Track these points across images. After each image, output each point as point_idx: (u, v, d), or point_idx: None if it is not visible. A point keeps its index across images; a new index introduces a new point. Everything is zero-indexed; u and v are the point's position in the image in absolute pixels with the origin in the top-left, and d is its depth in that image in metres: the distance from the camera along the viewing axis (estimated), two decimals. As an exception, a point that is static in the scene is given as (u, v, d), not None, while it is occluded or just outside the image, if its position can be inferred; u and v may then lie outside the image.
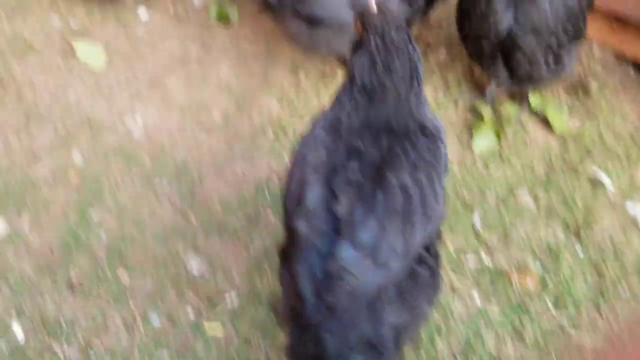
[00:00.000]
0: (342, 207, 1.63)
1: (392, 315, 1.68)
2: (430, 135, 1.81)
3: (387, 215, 1.63)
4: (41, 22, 3.31)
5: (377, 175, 1.68)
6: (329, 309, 1.59)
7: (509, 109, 2.83)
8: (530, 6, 2.34)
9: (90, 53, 3.14)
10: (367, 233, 1.60)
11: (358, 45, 1.81)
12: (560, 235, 2.52)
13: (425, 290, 1.78)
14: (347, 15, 2.34)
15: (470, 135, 2.78)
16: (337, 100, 1.87)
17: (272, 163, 2.76)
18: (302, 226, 1.65)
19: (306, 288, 1.60)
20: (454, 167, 2.68)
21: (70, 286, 2.42)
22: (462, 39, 2.66)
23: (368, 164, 1.71)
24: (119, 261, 2.49)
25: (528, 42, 2.40)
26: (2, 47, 3.21)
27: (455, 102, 2.93)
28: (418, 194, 1.68)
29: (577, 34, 2.49)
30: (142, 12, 3.37)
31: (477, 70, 2.97)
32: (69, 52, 3.17)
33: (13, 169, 2.75)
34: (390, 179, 1.67)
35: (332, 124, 1.82)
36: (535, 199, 2.62)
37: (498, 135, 2.74)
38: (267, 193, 2.66)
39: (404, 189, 1.67)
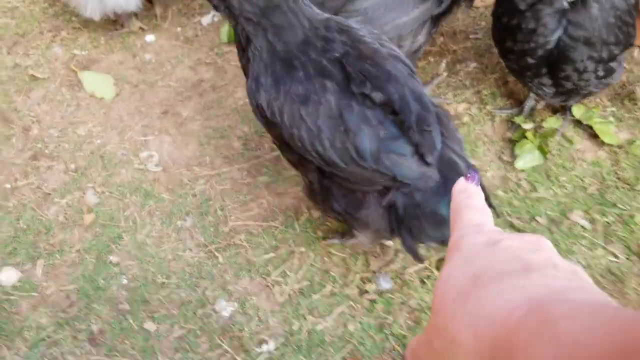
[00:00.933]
0: (378, 96, 1.66)
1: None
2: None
3: (406, 81, 1.70)
4: (44, 53, 3.12)
5: (370, 61, 1.70)
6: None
7: (551, 122, 2.61)
8: (583, 15, 2.10)
9: (97, 83, 2.95)
10: (413, 108, 1.67)
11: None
12: (623, 259, 2.31)
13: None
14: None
15: (512, 153, 2.57)
16: (254, 56, 1.78)
17: (300, 192, 2.56)
18: (366, 139, 1.67)
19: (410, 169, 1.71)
20: (497, 190, 2.48)
21: (92, 339, 2.23)
22: (502, 54, 2.41)
23: (354, 59, 1.70)
24: (143, 308, 2.30)
25: (580, 54, 2.17)
26: (4, 81, 3.02)
27: (492, 117, 2.72)
28: (395, 49, 1.78)
29: (627, 41, 2.27)
30: (150, 37, 3.18)
31: (512, 80, 2.78)
32: (75, 84, 2.98)
33: (22, 212, 2.56)
34: (382, 54, 1.73)
35: (281, 68, 1.74)
36: (592, 221, 2.40)
37: (543, 152, 2.52)
38: (296, 225, 2.47)
39: (392, 55, 1.75)
